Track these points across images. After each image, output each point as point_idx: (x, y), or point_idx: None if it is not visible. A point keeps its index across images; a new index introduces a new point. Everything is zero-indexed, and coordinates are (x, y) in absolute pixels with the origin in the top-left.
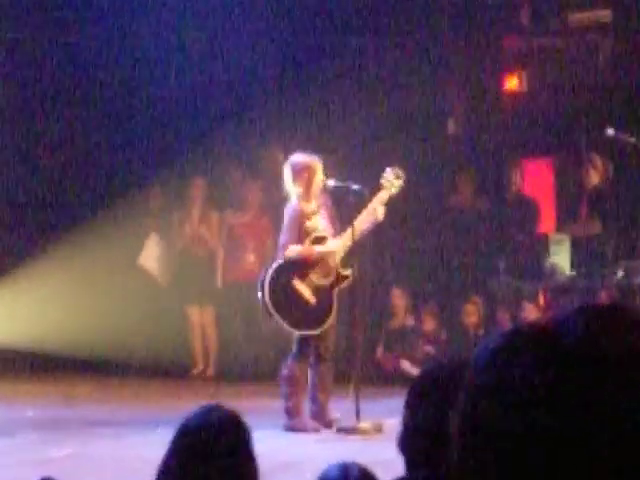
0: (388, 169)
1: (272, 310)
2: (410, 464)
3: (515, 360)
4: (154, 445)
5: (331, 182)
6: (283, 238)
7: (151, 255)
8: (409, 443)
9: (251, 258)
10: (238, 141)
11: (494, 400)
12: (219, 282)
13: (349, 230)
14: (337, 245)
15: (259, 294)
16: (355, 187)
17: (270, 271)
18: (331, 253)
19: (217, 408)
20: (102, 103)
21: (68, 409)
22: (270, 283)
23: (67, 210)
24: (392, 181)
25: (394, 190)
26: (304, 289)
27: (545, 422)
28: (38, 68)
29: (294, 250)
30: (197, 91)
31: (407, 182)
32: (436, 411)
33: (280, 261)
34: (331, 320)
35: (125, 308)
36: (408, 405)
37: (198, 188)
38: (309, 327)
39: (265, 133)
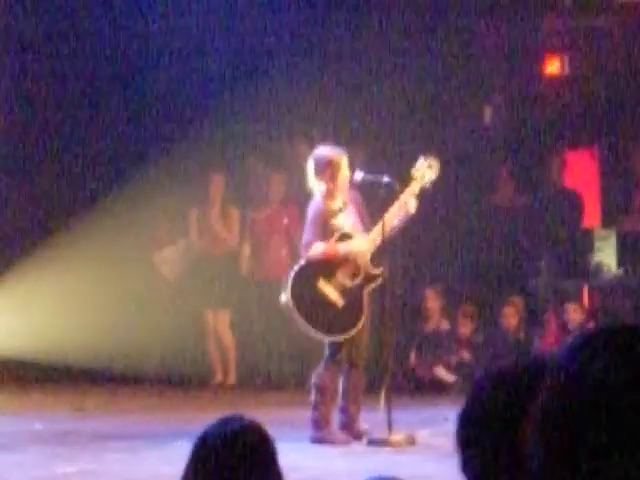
0: (420, 159)
1: (297, 315)
2: None
3: (597, 359)
4: (171, 461)
5: (359, 175)
6: (306, 237)
7: (168, 257)
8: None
9: (282, 253)
10: (259, 133)
11: (580, 399)
12: (246, 280)
13: (378, 226)
14: (364, 243)
15: (282, 295)
16: (385, 180)
17: (292, 273)
18: (359, 251)
19: (238, 418)
20: (111, 96)
21: (78, 422)
22: (293, 286)
23: (73, 205)
24: (424, 172)
25: (426, 182)
26: (331, 291)
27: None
28: (42, 56)
29: (318, 249)
30: (215, 80)
31: (441, 174)
32: (498, 435)
33: (303, 261)
34: (362, 323)
35: (138, 313)
36: (462, 437)
37: (217, 185)
38: (337, 332)
39: (288, 124)
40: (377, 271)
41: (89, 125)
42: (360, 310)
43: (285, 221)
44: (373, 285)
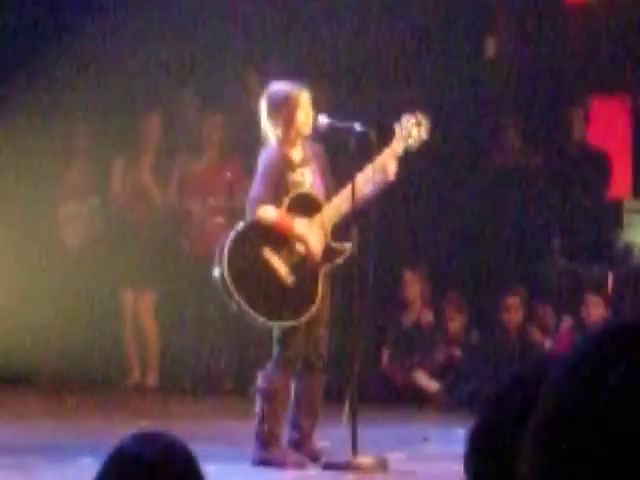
0: (406, 115)
1: (232, 289)
2: None
3: (609, 366)
4: None
5: (324, 119)
6: (254, 191)
7: (72, 218)
8: None
9: (218, 219)
10: (198, 62)
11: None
12: (175, 252)
13: (346, 189)
14: (328, 219)
15: (215, 269)
16: (359, 128)
17: (231, 236)
18: (321, 215)
19: (159, 438)
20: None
21: None
22: (231, 252)
23: None
24: (410, 130)
25: (412, 142)
26: (278, 263)
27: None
28: None
29: (268, 213)
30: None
31: (431, 130)
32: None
33: (247, 222)
34: (316, 308)
35: (35, 294)
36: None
37: (153, 127)
38: (285, 316)
39: (235, 53)
40: (340, 247)
41: None
42: (314, 291)
43: (226, 177)
44: (333, 263)
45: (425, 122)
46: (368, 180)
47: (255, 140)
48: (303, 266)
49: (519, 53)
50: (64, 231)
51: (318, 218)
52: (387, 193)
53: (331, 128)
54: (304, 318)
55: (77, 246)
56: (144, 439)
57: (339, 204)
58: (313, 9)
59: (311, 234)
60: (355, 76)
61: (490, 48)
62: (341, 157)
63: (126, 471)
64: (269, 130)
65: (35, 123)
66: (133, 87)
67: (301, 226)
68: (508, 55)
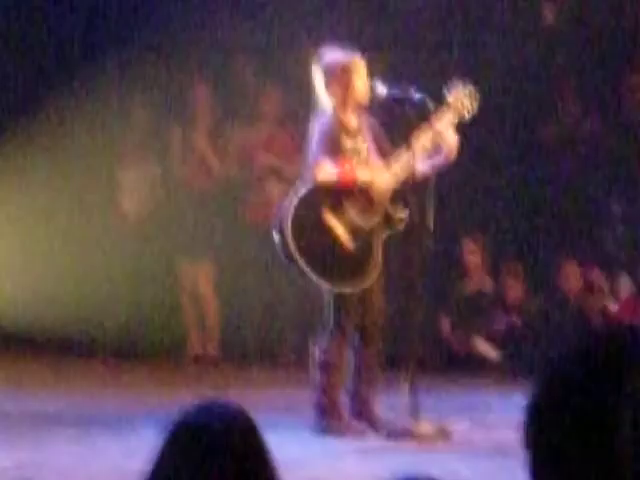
0: (457, 83)
1: (295, 253)
2: None
3: None
4: (135, 453)
5: (382, 88)
6: (312, 157)
7: (130, 190)
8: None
9: (274, 190)
10: (252, 32)
11: None
12: (236, 222)
13: (404, 156)
14: (386, 177)
15: (276, 233)
16: (417, 96)
17: (294, 199)
18: (379, 185)
19: (222, 405)
20: None
21: (16, 401)
22: (294, 215)
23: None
24: (462, 100)
25: (465, 113)
26: (339, 228)
27: None
28: None
29: (329, 171)
30: None
31: (488, 95)
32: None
33: (308, 186)
34: (373, 278)
35: (92, 264)
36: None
37: (202, 97)
38: (344, 281)
39: (289, 23)
40: (399, 214)
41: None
42: (373, 259)
43: (284, 146)
44: (391, 231)
45: (476, 95)
46: (424, 148)
47: (311, 109)
48: (361, 233)
49: (577, 19)
50: (124, 199)
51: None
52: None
53: (390, 97)
54: (365, 284)
55: (137, 215)
56: (207, 409)
57: (397, 171)
58: None
59: (375, 178)
60: (410, 46)
61: (549, 14)
62: (399, 124)
63: (189, 441)
64: (323, 100)
65: (94, 92)
66: (188, 57)
67: (363, 173)
68: (567, 21)
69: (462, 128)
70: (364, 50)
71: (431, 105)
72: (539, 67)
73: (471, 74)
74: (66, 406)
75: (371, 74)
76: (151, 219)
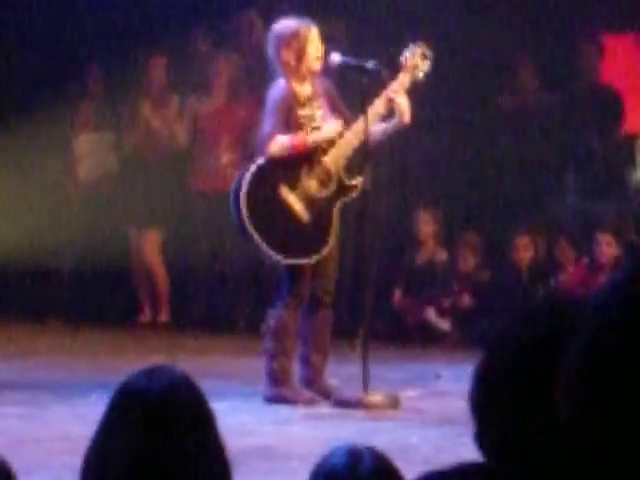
0: (411, 45)
1: (250, 228)
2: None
3: None
4: (84, 418)
5: (336, 57)
6: (266, 128)
7: (85, 157)
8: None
9: (223, 159)
10: (208, 3)
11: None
12: (183, 189)
13: (358, 123)
14: (336, 127)
15: (232, 207)
16: (371, 65)
17: (248, 174)
18: (333, 150)
19: (167, 370)
20: None
21: None
22: (249, 190)
23: None
24: (416, 61)
25: (418, 73)
26: (294, 201)
27: None
28: None
29: (281, 142)
30: None
31: (442, 61)
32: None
33: (262, 160)
34: (330, 247)
35: (48, 228)
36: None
37: (157, 68)
38: (299, 254)
39: None
40: (353, 181)
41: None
42: (329, 229)
43: (239, 115)
44: (346, 199)
45: (429, 53)
46: (378, 114)
47: (266, 78)
48: (317, 203)
49: None
50: (79, 165)
51: (332, 153)
52: (400, 134)
53: (343, 66)
54: (319, 256)
55: (92, 181)
56: (149, 374)
57: (350, 139)
58: None
59: (326, 136)
60: (361, 11)
61: None
62: (353, 93)
63: (132, 405)
64: (276, 66)
65: (47, 61)
66: (141, 27)
67: (314, 136)
68: None
69: (418, 98)
70: (320, 18)
71: (385, 73)
72: (497, 37)
73: (429, 42)
74: (16, 371)
75: (326, 42)
76: (103, 186)
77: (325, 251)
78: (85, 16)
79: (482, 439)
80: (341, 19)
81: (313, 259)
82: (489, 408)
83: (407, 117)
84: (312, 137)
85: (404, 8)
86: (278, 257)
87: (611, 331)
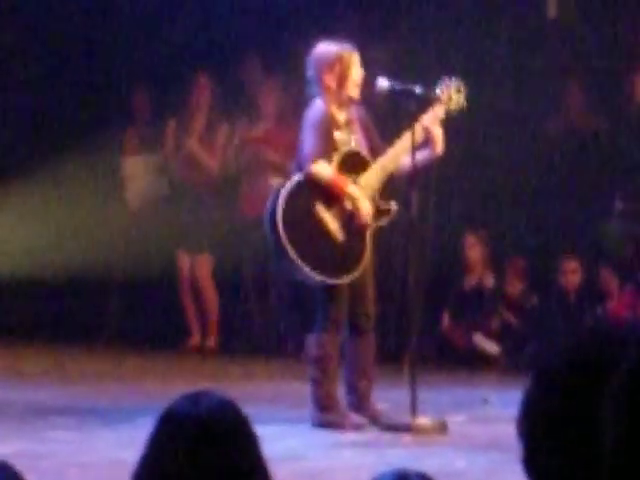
0: (446, 78)
1: (286, 243)
2: None
3: None
4: (132, 443)
5: (384, 82)
6: (306, 148)
7: (133, 181)
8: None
9: (273, 183)
10: (254, 26)
11: None
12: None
13: (393, 149)
14: (375, 180)
15: (267, 221)
16: (419, 91)
17: (285, 191)
18: (369, 173)
19: (209, 395)
20: None
21: (14, 390)
22: (285, 206)
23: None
24: (451, 94)
25: (452, 106)
26: (330, 220)
27: None
28: None
29: (323, 170)
30: None
31: (490, 87)
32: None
33: (300, 177)
34: (362, 269)
35: (97, 251)
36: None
37: (203, 88)
38: (333, 273)
39: (291, 17)
40: (387, 206)
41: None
42: (362, 251)
43: (286, 139)
44: (380, 222)
45: (464, 89)
46: (407, 144)
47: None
48: (352, 224)
49: (581, 13)
50: (127, 189)
51: (366, 176)
52: (450, 156)
53: (392, 91)
54: (352, 277)
55: (140, 205)
56: (194, 398)
57: (385, 164)
58: None
59: (363, 196)
60: (410, 40)
61: (552, 6)
62: (400, 118)
63: (176, 430)
64: (317, 89)
65: (97, 84)
66: (189, 50)
67: (353, 189)
68: (570, 15)
69: (470, 121)
70: (364, 44)
71: (434, 97)
72: (545, 61)
73: (478, 69)
74: (64, 395)
75: (370, 68)
76: (152, 209)
77: (357, 273)
78: (132, 40)
79: (530, 465)
80: (383, 47)
81: (344, 280)
82: (537, 434)
83: (440, 148)
84: (351, 189)
85: (450, 37)
86: (313, 275)
87: None
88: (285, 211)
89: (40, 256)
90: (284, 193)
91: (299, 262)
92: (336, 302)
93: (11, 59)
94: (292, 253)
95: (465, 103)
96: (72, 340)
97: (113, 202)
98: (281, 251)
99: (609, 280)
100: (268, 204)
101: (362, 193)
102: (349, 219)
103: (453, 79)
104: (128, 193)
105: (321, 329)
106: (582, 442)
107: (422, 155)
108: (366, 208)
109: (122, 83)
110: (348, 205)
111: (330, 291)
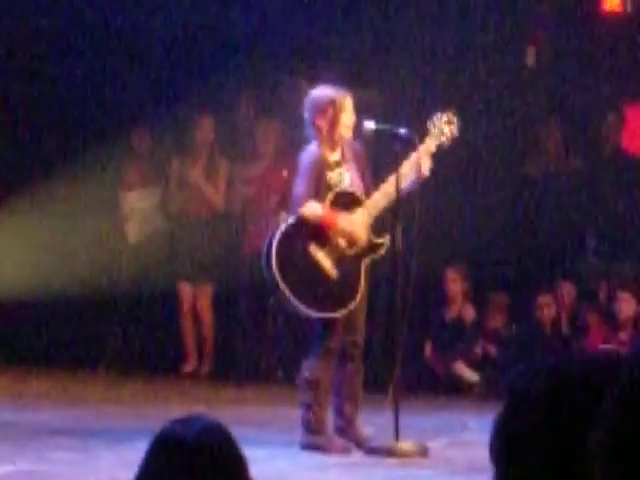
0: (437, 113)
1: (281, 283)
2: None
3: None
4: (130, 463)
5: (370, 124)
6: (297, 190)
7: (133, 215)
8: None
9: (272, 220)
10: (252, 71)
11: None
12: (232, 249)
13: (385, 185)
14: (366, 219)
15: (263, 262)
16: (403, 132)
17: (279, 233)
18: (361, 224)
19: (200, 419)
20: (83, 28)
21: (17, 413)
22: (279, 248)
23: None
24: (442, 128)
25: (444, 140)
26: (323, 258)
27: None
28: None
29: (313, 210)
30: (201, 6)
31: (473, 128)
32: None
33: (293, 219)
34: (357, 302)
35: (100, 281)
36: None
37: (205, 129)
38: (328, 309)
39: (287, 62)
40: (380, 240)
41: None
42: (357, 285)
43: (283, 178)
44: (374, 256)
45: (456, 120)
46: (404, 176)
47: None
48: (346, 260)
49: (557, 61)
50: (128, 224)
51: (360, 212)
52: (430, 193)
53: (377, 133)
54: (347, 310)
55: (139, 237)
56: (184, 422)
57: (378, 200)
58: (362, 23)
59: (354, 226)
60: (401, 84)
61: (530, 57)
62: (385, 157)
63: (168, 452)
64: (311, 132)
65: (97, 124)
66: (188, 89)
67: (344, 221)
68: (547, 64)
69: (451, 159)
70: (353, 87)
71: (416, 139)
72: (526, 106)
73: (460, 112)
74: (66, 418)
75: (359, 110)
76: (153, 243)
77: (352, 306)
78: (132, 76)
79: None
80: (375, 88)
81: (341, 313)
82: (508, 457)
83: (426, 172)
84: (342, 222)
85: (432, 78)
86: (308, 311)
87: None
88: (278, 252)
89: (43, 282)
90: (278, 235)
91: (295, 300)
92: (331, 333)
93: (15, 85)
94: (287, 292)
95: (457, 133)
96: (74, 364)
97: (114, 234)
98: (277, 290)
99: (587, 314)
100: (264, 246)
101: (353, 224)
102: (342, 256)
103: (446, 112)
104: (129, 226)
105: (316, 356)
106: (551, 465)
107: (410, 182)
108: (360, 236)
109: (124, 117)
110: (342, 242)
111: (326, 322)
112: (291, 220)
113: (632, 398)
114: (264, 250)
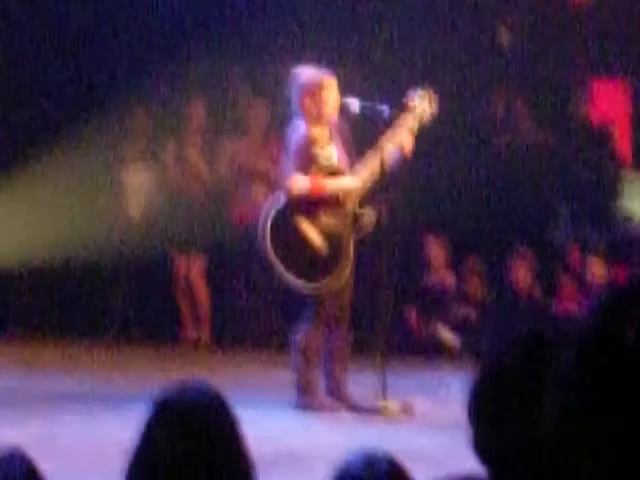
0: (416, 89)
1: (274, 259)
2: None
3: (632, 320)
4: (133, 426)
5: (353, 101)
6: (285, 168)
7: (133, 193)
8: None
9: (260, 193)
10: (242, 53)
11: (613, 365)
12: (225, 222)
13: (373, 159)
14: (354, 181)
15: (259, 241)
16: (382, 107)
17: (271, 210)
18: (348, 190)
19: (197, 385)
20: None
21: (25, 379)
22: (272, 225)
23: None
24: (422, 105)
25: (425, 116)
26: (314, 233)
27: None
28: None
29: (301, 183)
30: None
31: (448, 105)
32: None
33: (283, 197)
34: (347, 274)
35: (98, 253)
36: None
37: (197, 111)
38: (319, 282)
39: (273, 45)
40: (366, 216)
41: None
42: (346, 259)
43: (270, 155)
44: (361, 232)
45: (433, 96)
46: (389, 154)
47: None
48: (335, 235)
49: (527, 40)
50: (128, 201)
51: (347, 178)
52: (410, 168)
53: (361, 110)
54: (339, 283)
55: (137, 210)
56: (182, 388)
57: (364, 176)
58: (341, 6)
59: (342, 186)
60: (378, 64)
61: (502, 36)
62: (368, 134)
63: (165, 416)
64: (297, 111)
65: (102, 107)
66: (186, 73)
67: (332, 184)
68: (519, 43)
69: (427, 133)
70: (337, 67)
71: (398, 115)
72: (493, 79)
73: (434, 88)
74: (72, 384)
75: (343, 90)
76: (151, 219)
77: (342, 280)
78: (127, 56)
79: (477, 445)
80: (355, 67)
81: (331, 288)
82: (484, 416)
83: (409, 152)
84: (330, 184)
85: (408, 58)
86: (300, 285)
87: (591, 356)
88: (271, 230)
89: (48, 253)
90: (270, 214)
91: (288, 275)
92: (322, 301)
93: (16, 68)
94: (280, 268)
95: (435, 110)
96: (80, 334)
97: (113, 208)
98: (270, 264)
99: (561, 275)
100: (259, 222)
101: (346, 181)
102: (331, 231)
103: (424, 89)
104: (128, 199)
105: (309, 322)
106: (525, 426)
107: (393, 161)
108: (353, 184)
109: (122, 96)
110: (331, 218)
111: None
112: (281, 199)
113: (579, 356)
114: (257, 229)
